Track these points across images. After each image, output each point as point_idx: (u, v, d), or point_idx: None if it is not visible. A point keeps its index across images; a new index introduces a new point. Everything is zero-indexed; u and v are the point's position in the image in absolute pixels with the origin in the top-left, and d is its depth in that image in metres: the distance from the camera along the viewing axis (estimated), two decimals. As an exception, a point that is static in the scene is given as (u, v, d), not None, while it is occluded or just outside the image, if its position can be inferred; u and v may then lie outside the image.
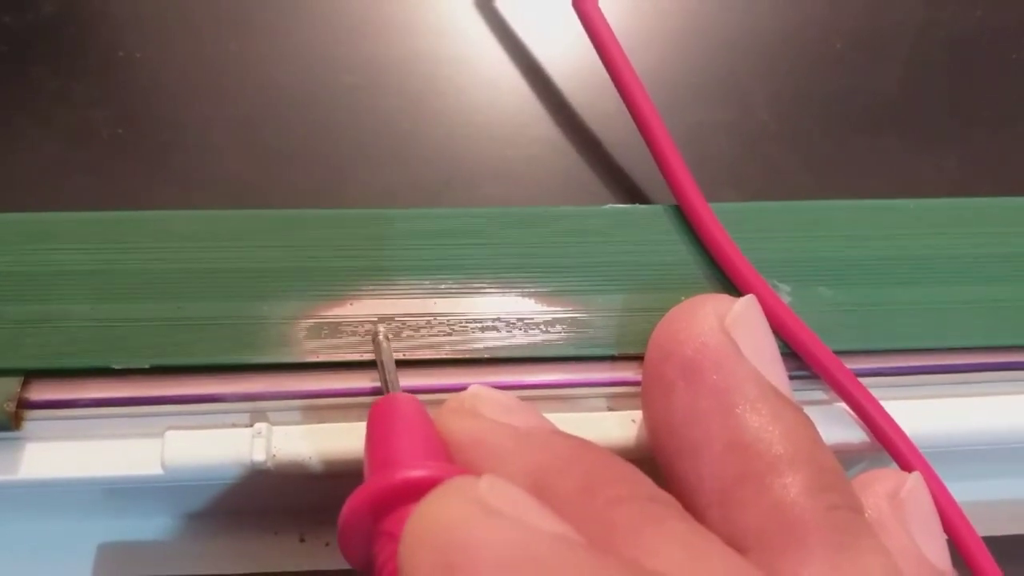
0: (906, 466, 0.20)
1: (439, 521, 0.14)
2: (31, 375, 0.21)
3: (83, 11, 0.27)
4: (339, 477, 0.21)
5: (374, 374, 0.21)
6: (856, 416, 0.21)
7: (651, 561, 0.15)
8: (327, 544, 0.24)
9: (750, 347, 0.19)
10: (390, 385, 0.20)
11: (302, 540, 0.24)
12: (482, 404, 0.19)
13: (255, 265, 0.22)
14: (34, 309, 0.21)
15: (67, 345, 0.21)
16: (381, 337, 0.21)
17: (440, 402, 0.21)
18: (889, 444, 0.21)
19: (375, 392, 0.21)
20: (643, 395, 0.20)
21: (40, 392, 0.21)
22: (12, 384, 0.20)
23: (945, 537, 0.20)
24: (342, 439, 0.21)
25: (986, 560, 0.20)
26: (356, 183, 0.25)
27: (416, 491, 0.16)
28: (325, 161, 0.25)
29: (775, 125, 0.26)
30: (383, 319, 0.21)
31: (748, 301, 0.20)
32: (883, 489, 0.19)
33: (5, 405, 0.20)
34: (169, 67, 0.26)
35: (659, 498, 0.17)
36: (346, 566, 0.23)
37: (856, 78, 0.27)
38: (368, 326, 0.21)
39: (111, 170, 0.25)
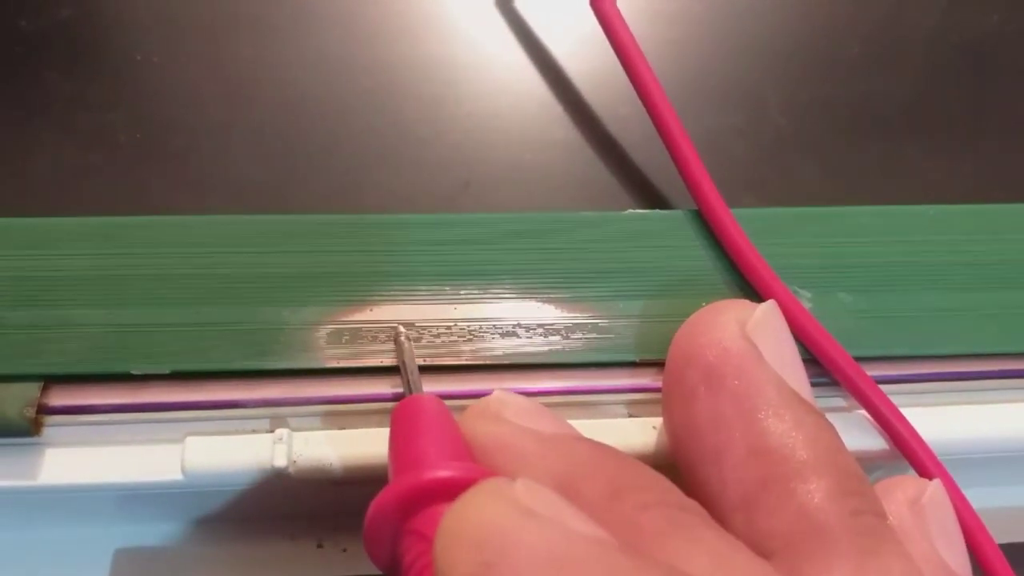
0: (925, 473, 0.20)
1: (476, 520, 0.14)
2: (50, 381, 0.21)
3: (99, 14, 0.27)
4: (360, 483, 0.21)
5: (395, 380, 0.21)
6: (876, 423, 0.21)
7: (680, 567, 0.15)
8: (344, 550, 0.23)
9: (771, 352, 0.19)
10: (413, 386, 0.20)
11: (320, 546, 0.24)
12: (506, 409, 0.19)
13: (274, 271, 0.22)
14: (53, 314, 0.21)
15: (86, 351, 0.21)
16: (403, 338, 0.21)
17: (461, 408, 0.21)
18: (908, 451, 0.21)
19: (396, 398, 0.21)
20: (664, 401, 0.20)
21: (60, 398, 0.21)
22: (31, 390, 0.20)
23: (965, 544, 0.20)
24: (364, 444, 0.21)
25: (1003, 567, 0.20)
26: (374, 187, 0.25)
27: (444, 491, 0.16)
28: (342, 165, 0.25)
29: (791, 130, 0.26)
30: (404, 325, 0.21)
31: (769, 307, 0.20)
32: (904, 496, 0.19)
33: (25, 411, 0.20)
34: (186, 71, 0.26)
35: (686, 505, 0.17)
36: (363, 572, 0.23)
37: (873, 83, 0.27)
38: (389, 331, 0.21)
39: (128, 174, 0.25)
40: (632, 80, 0.23)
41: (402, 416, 0.19)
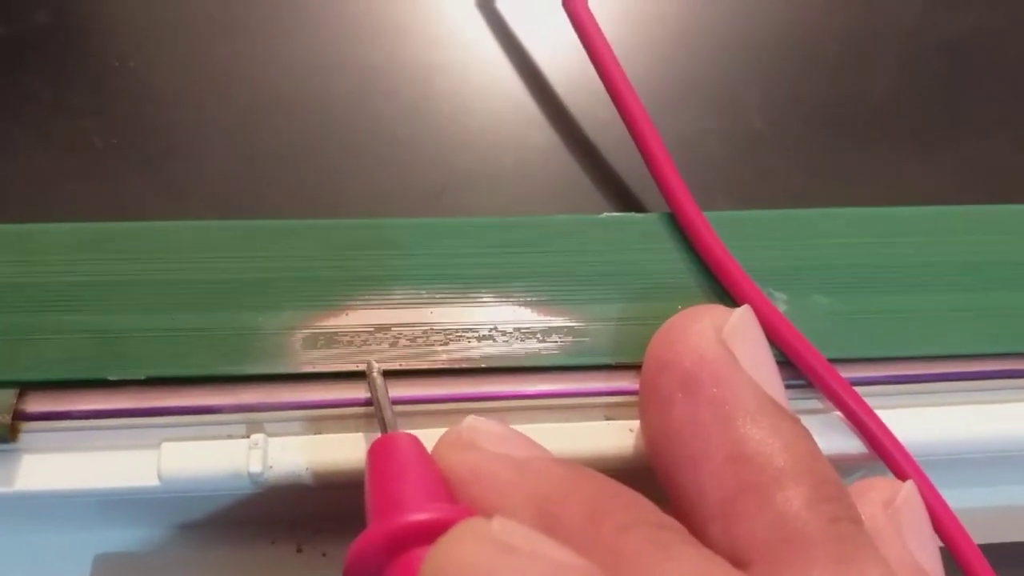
0: (901, 474, 0.21)
1: (457, 561, 0.14)
2: (26, 387, 0.21)
3: (76, 20, 0.27)
4: (335, 488, 0.21)
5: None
6: (851, 424, 0.21)
7: None
8: (324, 554, 0.24)
9: (747, 358, 0.19)
10: (388, 424, 0.20)
11: (299, 550, 0.24)
12: (478, 436, 0.19)
13: (250, 276, 0.22)
14: (28, 320, 0.21)
15: (62, 357, 0.21)
16: (376, 374, 0.21)
17: (436, 413, 0.21)
18: (883, 452, 0.21)
19: (371, 403, 0.21)
20: (641, 407, 0.20)
21: (36, 404, 0.20)
22: (7, 396, 0.20)
23: (939, 544, 0.20)
24: (338, 450, 0.21)
25: (982, 567, 0.20)
26: (351, 190, 0.25)
27: (423, 534, 0.16)
28: (319, 168, 0.25)
29: (768, 131, 0.26)
30: (379, 328, 0.21)
31: (744, 312, 0.20)
32: (879, 497, 0.19)
33: (1, 417, 0.20)
34: (163, 76, 0.26)
35: (664, 524, 0.17)
36: None
37: (849, 83, 0.27)
38: (368, 335, 0.21)
39: (105, 179, 0.25)
40: (604, 82, 0.23)
41: (378, 456, 0.19)
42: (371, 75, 0.27)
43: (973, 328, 0.22)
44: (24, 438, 0.21)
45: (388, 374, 0.21)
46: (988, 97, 0.28)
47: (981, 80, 0.28)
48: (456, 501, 0.18)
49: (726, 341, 0.19)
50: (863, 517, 0.18)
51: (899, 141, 0.27)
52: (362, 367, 0.21)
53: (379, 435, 0.19)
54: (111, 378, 0.21)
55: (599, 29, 0.24)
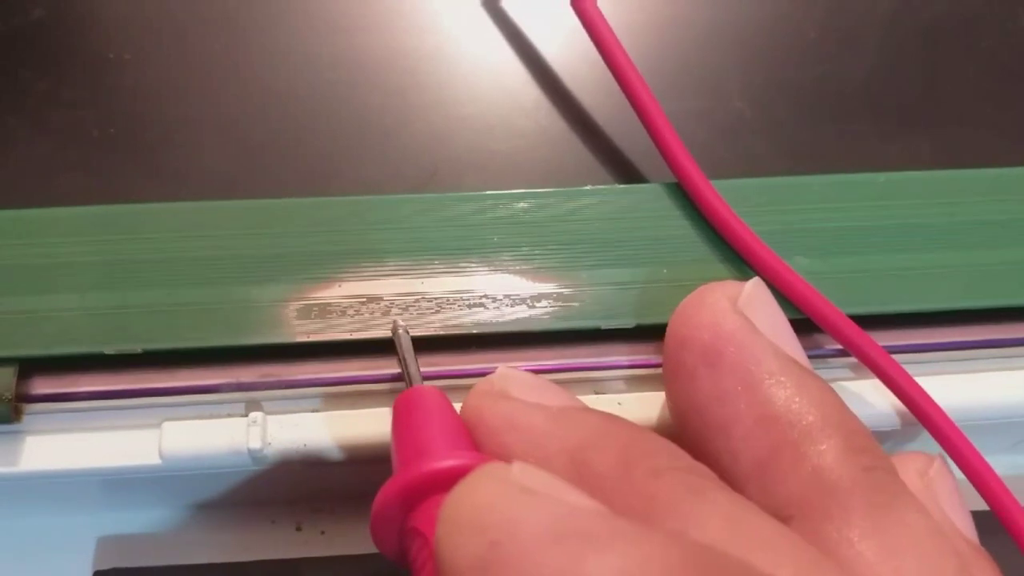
0: (937, 434, 0.21)
1: (476, 503, 0.14)
2: (27, 364, 0.21)
3: (72, 14, 0.27)
4: (334, 464, 0.21)
5: (366, 361, 0.21)
6: (881, 383, 0.22)
7: (694, 532, 0.15)
8: (323, 532, 0.24)
9: (765, 324, 0.19)
10: (412, 378, 0.20)
11: (298, 529, 0.24)
12: (511, 386, 0.19)
13: (242, 252, 0.22)
14: (27, 300, 0.21)
15: (60, 334, 0.21)
16: (401, 331, 0.21)
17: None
18: (919, 413, 0.21)
19: (370, 380, 0.21)
20: (666, 383, 0.20)
21: (39, 386, 0.21)
22: (8, 374, 0.20)
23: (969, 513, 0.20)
24: (335, 426, 0.21)
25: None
26: (341, 178, 0.25)
27: (448, 480, 0.17)
28: (310, 156, 0.26)
29: (750, 113, 0.27)
30: (371, 299, 0.22)
31: (756, 282, 0.20)
32: (913, 467, 0.20)
33: (3, 394, 0.20)
34: (157, 68, 0.27)
35: (696, 469, 0.17)
36: (341, 553, 0.24)
37: (829, 66, 0.28)
38: (360, 305, 0.22)
39: (102, 168, 0.25)
40: (600, 51, 0.24)
41: (403, 408, 0.19)
42: (358, 66, 0.27)
43: (948, 284, 0.23)
44: (28, 419, 0.21)
45: (380, 344, 0.21)
46: (963, 78, 0.28)
47: (956, 62, 0.28)
48: (479, 450, 0.18)
49: (742, 310, 0.19)
50: None
51: (877, 120, 0.27)
52: (357, 336, 0.21)
53: (404, 389, 0.20)
54: (108, 352, 0.21)
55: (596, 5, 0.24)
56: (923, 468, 0.20)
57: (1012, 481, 0.21)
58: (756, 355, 0.19)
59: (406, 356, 0.21)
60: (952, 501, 0.20)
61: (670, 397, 0.20)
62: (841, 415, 0.18)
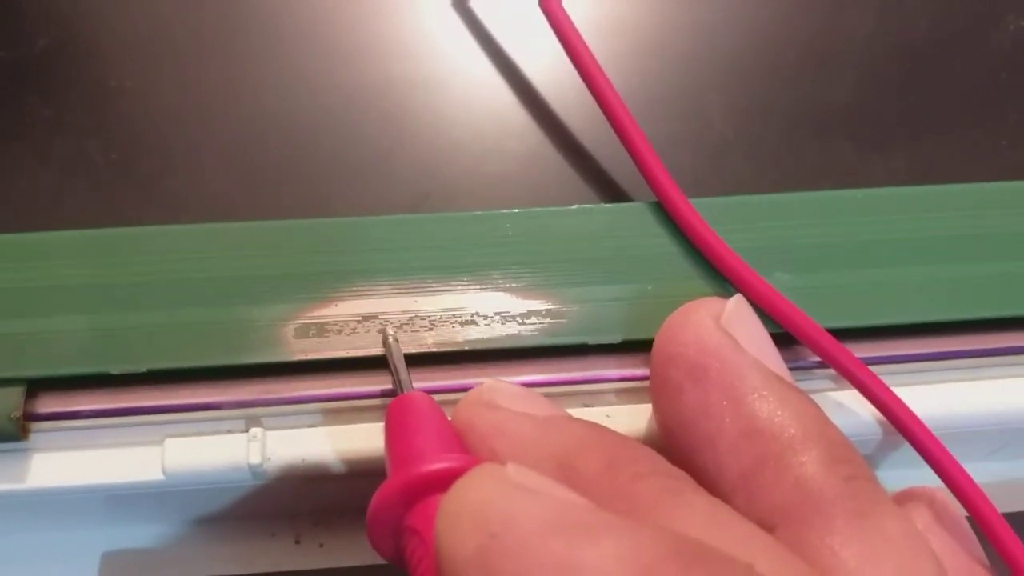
0: (912, 441, 0.21)
1: (475, 499, 0.15)
2: (34, 384, 0.21)
3: (75, 44, 0.28)
4: (332, 478, 0.22)
5: (362, 377, 0.22)
6: (861, 396, 0.22)
7: (677, 530, 0.16)
8: (321, 545, 0.24)
9: (747, 340, 0.20)
10: (403, 385, 0.21)
11: (297, 542, 0.25)
12: (499, 396, 0.20)
13: (242, 273, 0.23)
14: (34, 322, 0.22)
15: (66, 354, 0.21)
16: (391, 340, 0.22)
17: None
18: (900, 426, 0.21)
19: (367, 396, 0.22)
20: (653, 398, 0.21)
21: (46, 405, 0.21)
22: (16, 394, 0.21)
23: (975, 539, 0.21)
24: (334, 441, 0.22)
25: (1008, 535, 0.21)
26: (337, 201, 0.26)
27: (443, 481, 0.17)
28: (307, 180, 0.26)
29: (733, 135, 0.28)
30: (366, 317, 0.22)
31: (738, 299, 0.21)
32: (920, 500, 0.21)
33: (11, 413, 0.21)
34: (158, 95, 0.27)
35: (675, 473, 0.18)
36: (339, 565, 0.24)
37: (809, 89, 0.29)
38: (352, 324, 0.22)
39: (105, 195, 0.26)
40: (581, 75, 0.25)
41: (396, 413, 0.20)
42: (353, 93, 0.28)
43: (924, 297, 0.23)
44: (34, 437, 0.21)
45: (375, 360, 0.22)
46: (938, 98, 0.29)
47: (931, 82, 0.29)
48: (470, 453, 0.19)
49: (725, 327, 0.20)
50: (914, 518, 0.19)
51: (857, 141, 0.28)
52: (353, 354, 0.22)
53: (396, 396, 0.20)
54: (114, 372, 0.21)
55: (573, 26, 0.25)
56: (929, 502, 0.21)
57: (990, 488, 0.21)
58: (740, 371, 0.19)
59: (397, 364, 0.21)
60: (957, 531, 0.21)
61: (657, 411, 0.21)
62: (822, 427, 0.19)
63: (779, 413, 0.19)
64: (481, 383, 0.20)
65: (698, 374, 0.19)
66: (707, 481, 0.19)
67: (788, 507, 0.18)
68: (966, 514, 0.21)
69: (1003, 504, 0.21)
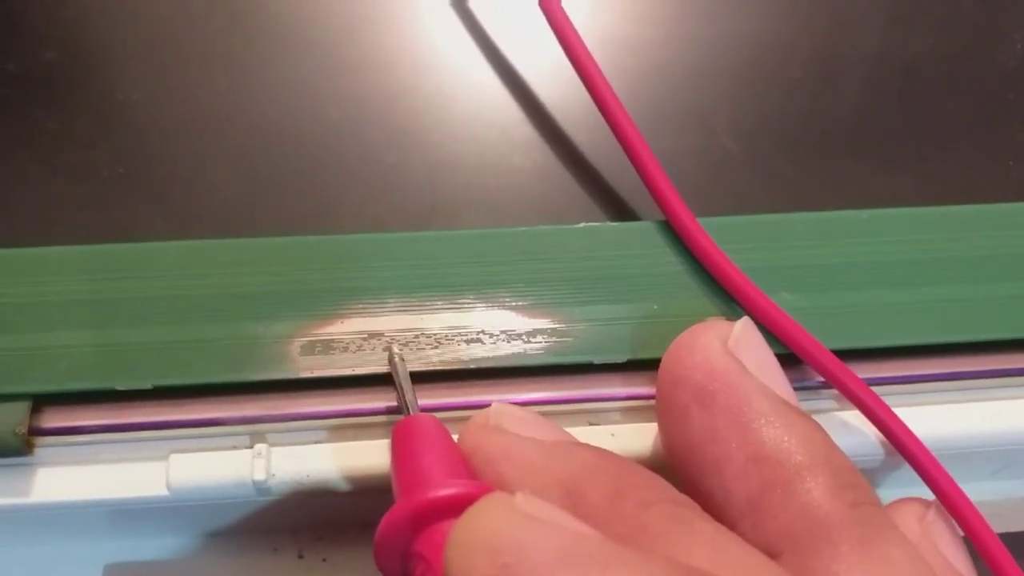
0: (914, 461, 0.21)
1: (486, 528, 0.15)
2: (40, 399, 0.21)
3: (82, 57, 0.28)
4: (335, 494, 0.22)
5: (367, 394, 0.22)
6: (865, 419, 0.22)
7: (682, 559, 0.16)
8: (324, 560, 0.24)
9: (754, 364, 0.20)
10: (409, 404, 0.21)
11: (300, 557, 0.25)
12: (505, 420, 0.20)
13: (248, 290, 0.23)
14: (40, 337, 0.22)
15: (73, 370, 0.21)
16: (397, 358, 0.22)
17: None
18: (901, 447, 0.21)
19: (371, 413, 0.22)
20: (659, 421, 0.21)
21: (51, 419, 0.21)
22: (22, 409, 0.21)
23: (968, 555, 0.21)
24: (338, 458, 0.22)
25: (1003, 556, 0.21)
26: (344, 213, 0.26)
27: (451, 507, 0.17)
28: (313, 192, 0.26)
29: (738, 151, 0.28)
30: (372, 335, 0.22)
31: (745, 322, 0.21)
32: (912, 512, 0.21)
33: (17, 429, 0.21)
34: (164, 107, 0.27)
35: (683, 501, 0.18)
36: (341, 581, 0.24)
37: (814, 104, 0.29)
38: (362, 341, 0.22)
39: (112, 206, 0.26)
40: (588, 88, 0.25)
41: (402, 435, 0.20)
42: (361, 105, 0.28)
43: (931, 318, 0.23)
44: (40, 452, 0.21)
45: (380, 378, 0.22)
46: (944, 115, 0.29)
47: (937, 99, 0.29)
48: (477, 477, 0.19)
49: (732, 351, 0.20)
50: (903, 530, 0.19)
51: (862, 157, 0.28)
52: (358, 372, 0.22)
53: (401, 417, 0.20)
54: (119, 388, 0.21)
55: (579, 37, 0.25)
56: (921, 513, 0.21)
57: (992, 507, 0.21)
58: (747, 396, 0.19)
59: (402, 383, 0.21)
60: (950, 543, 0.21)
61: (663, 433, 0.21)
62: (828, 453, 0.19)
63: (786, 439, 0.19)
64: (487, 407, 0.20)
65: (705, 399, 0.19)
66: (713, 505, 0.19)
67: (794, 533, 0.18)
68: (962, 534, 0.21)
69: (1007, 524, 0.21)
